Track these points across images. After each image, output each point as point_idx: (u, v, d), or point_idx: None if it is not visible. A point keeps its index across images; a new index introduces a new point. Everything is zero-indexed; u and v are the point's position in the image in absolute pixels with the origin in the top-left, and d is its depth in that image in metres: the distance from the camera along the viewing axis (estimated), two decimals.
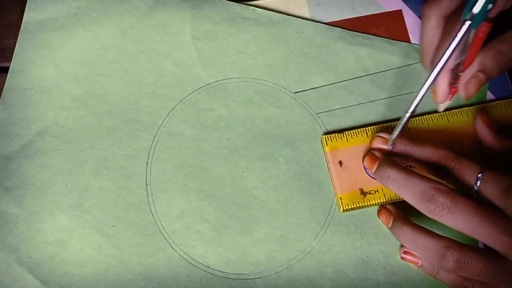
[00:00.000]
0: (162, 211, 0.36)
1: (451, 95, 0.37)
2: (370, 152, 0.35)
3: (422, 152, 0.34)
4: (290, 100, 0.39)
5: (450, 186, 0.32)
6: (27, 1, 0.39)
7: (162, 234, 0.35)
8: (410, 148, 0.34)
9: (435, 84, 0.35)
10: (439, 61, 0.30)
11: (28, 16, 0.38)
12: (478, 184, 0.31)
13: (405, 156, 0.34)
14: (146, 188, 0.36)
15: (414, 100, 0.31)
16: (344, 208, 0.36)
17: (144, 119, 0.37)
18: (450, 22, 0.34)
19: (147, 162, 0.37)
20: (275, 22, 0.40)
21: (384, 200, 0.36)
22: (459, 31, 0.29)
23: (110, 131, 0.37)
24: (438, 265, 0.30)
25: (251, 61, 0.39)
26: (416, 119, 0.37)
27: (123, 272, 0.35)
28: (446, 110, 0.38)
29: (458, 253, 0.30)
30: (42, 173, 0.36)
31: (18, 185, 0.36)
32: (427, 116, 0.37)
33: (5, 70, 0.38)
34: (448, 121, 0.37)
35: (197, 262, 0.35)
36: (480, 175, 0.31)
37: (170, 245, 0.35)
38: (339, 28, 0.40)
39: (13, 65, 0.38)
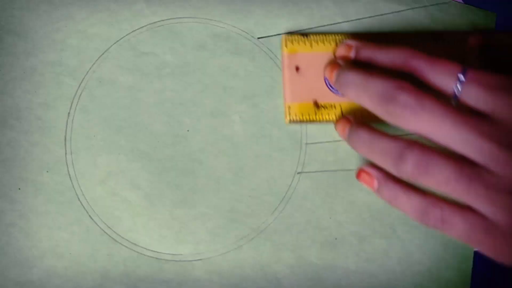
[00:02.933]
0: (82, 174, 0.30)
1: None
2: (332, 61, 0.31)
3: (387, 55, 0.28)
4: (251, 47, 0.32)
5: None
6: None
7: (80, 201, 0.29)
8: (374, 53, 0.29)
9: None
10: None
11: None
12: (459, 87, 0.26)
13: (372, 66, 0.29)
14: (65, 145, 0.30)
15: None
16: (291, 118, 0.31)
17: (69, 62, 0.31)
18: None
19: (68, 113, 0.30)
20: None
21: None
22: None
23: (26, 74, 0.31)
24: (396, 171, 0.26)
25: None
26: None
27: (27, 247, 0.29)
28: None
29: (419, 153, 0.25)
30: None
31: None
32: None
33: None
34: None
35: (122, 238, 0.29)
36: (461, 76, 0.26)
37: (90, 216, 0.29)
38: None
39: None
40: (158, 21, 0.32)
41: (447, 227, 0.25)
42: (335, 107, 0.31)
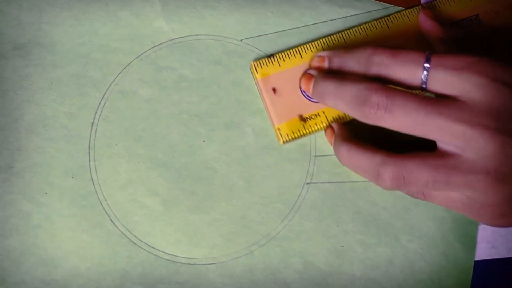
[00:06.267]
0: (104, 180, 0.31)
1: None
2: (306, 72, 0.31)
3: (353, 58, 0.29)
4: None
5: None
6: None
7: (102, 206, 0.30)
8: (344, 58, 0.30)
9: None
10: None
11: None
12: (426, 74, 0.26)
13: (345, 71, 0.30)
14: (89, 152, 0.31)
15: None
16: (284, 139, 0.31)
17: (94, 74, 0.32)
18: None
19: (92, 122, 0.32)
20: None
21: (327, 124, 0.31)
22: None
23: (53, 84, 0.32)
24: (378, 185, 0.26)
25: (223, 17, 0.34)
26: (352, 30, 0.33)
27: (52, 247, 0.30)
28: None
29: (393, 168, 0.25)
30: None
31: None
32: (364, 25, 0.33)
33: None
34: (388, 27, 0.33)
35: (141, 241, 0.30)
36: (426, 64, 0.26)
37: (111, 220, 0.30)
38: None
39: None
40: (177, 38, 0.34)
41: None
42: (319, 115, 0.31)
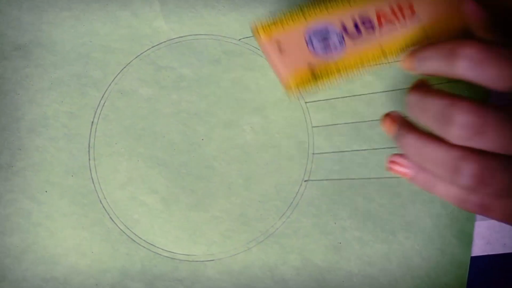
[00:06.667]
0: (104, 178, 0.31)
1: None
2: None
3: (440, 49, 0.25)
4: (263, 63, 0.34)
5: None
6: None
7: (102, 204, 0.31)
8: (428, 51, 0.26)
9: None
10: None
11: None
12: None
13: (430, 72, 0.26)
14: (89, 151, 0.32)
15: None
16: (295, 91, 0.29)
17: (94, 74, 0.33)
18: None
19: (92, 122, 0.32)
20: None
21: (340, 76, 0.29)
22: None
23: (53, 84, 0.33)
24: (452, 181, 0.23)
25: (222, 16, 0.34)
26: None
27: (52, 245, 0.30)
28: None
29: (476, 165, 0.22)
30: None
31: None
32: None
33: None
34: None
35: (140, 238, 0.30)
36: None
37: (110, 217, 0.31)
38: None
39: None
40: (176, 38, 0.34)
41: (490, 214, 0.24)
42: (329, 66, 0.29)
